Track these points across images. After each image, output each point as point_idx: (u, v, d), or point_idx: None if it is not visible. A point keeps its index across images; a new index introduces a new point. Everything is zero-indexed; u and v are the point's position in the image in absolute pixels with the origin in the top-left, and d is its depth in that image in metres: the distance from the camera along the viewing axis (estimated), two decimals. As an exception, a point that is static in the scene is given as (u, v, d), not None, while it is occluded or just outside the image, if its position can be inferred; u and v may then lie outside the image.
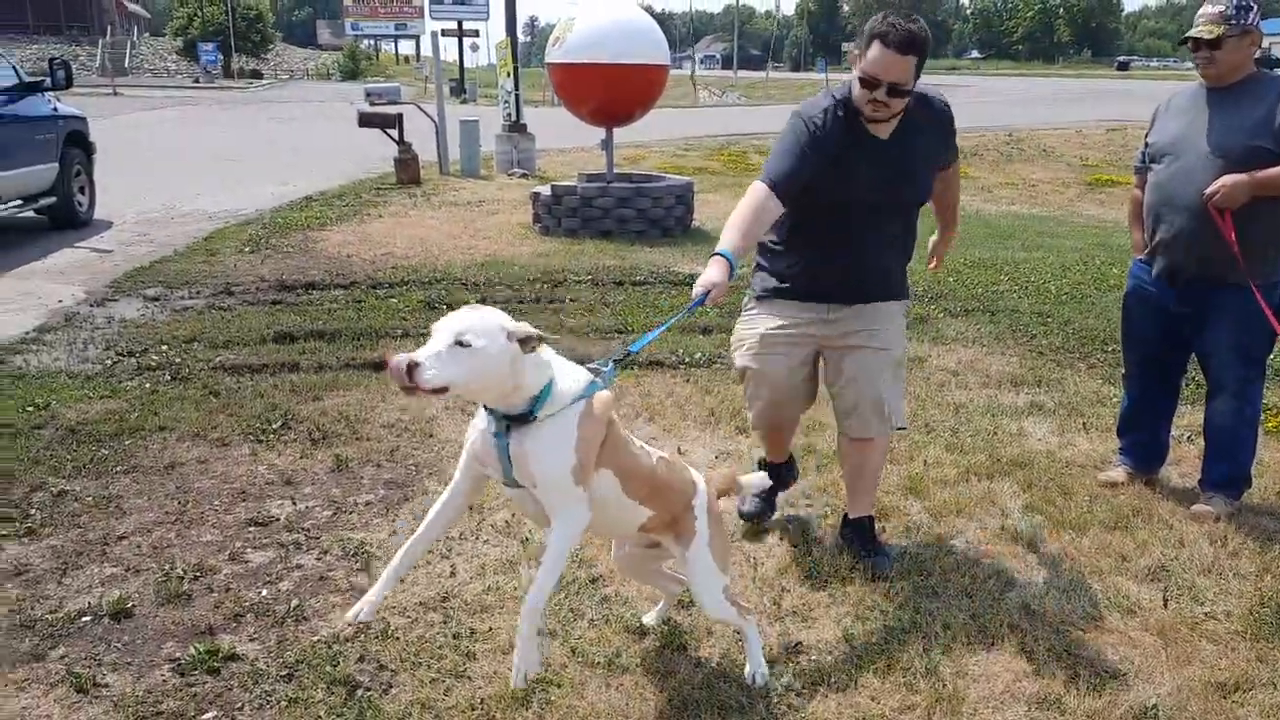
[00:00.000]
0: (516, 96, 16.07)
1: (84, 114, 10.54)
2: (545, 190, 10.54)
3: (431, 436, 4.68)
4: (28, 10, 53.36)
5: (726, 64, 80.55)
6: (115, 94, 30.15)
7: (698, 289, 2.90)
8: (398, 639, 3.00)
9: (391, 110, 14.44)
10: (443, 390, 2.13)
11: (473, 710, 2.66)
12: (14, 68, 9.43)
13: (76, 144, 10.06)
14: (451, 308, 6.95)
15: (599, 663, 2.85)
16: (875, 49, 3.12)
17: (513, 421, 2.35)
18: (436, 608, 3.17)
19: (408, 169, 13.80)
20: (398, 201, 12.25)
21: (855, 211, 3.32)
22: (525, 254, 9.03)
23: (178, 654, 2.95)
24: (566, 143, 18.82)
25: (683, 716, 2.66)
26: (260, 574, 3.44)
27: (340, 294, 7.44)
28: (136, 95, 31.19)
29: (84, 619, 3.14)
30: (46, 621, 3.12)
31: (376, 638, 3.00)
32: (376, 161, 15.09)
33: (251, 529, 3.75)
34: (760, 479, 3.12)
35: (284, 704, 2.71)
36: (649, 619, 3.11)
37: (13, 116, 8.93)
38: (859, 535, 3.54)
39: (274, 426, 4.73)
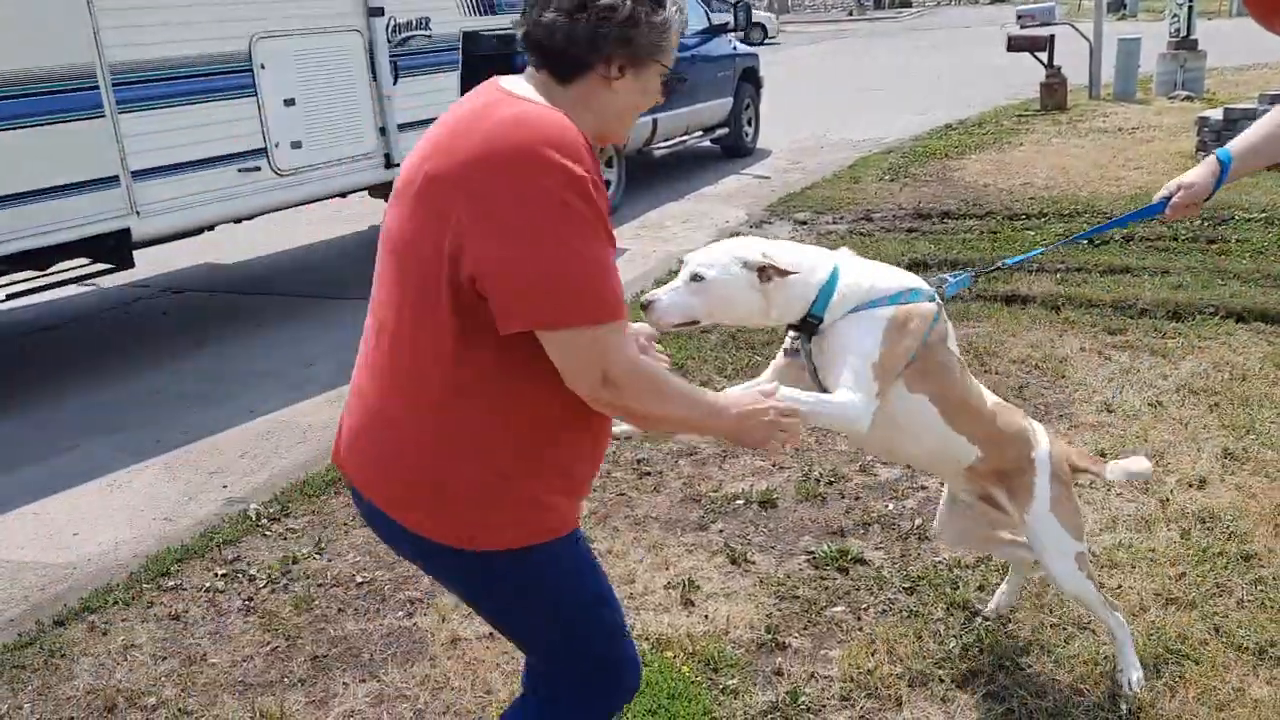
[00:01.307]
0: (1189, 8, 14.28)
1: (756, 52, 11.62)
2: (1215, 114, 9.31)
3: (1064, 377, 4.51)
4: (710, -43, 60.78)
5: None
6: (779, 30, 32.81)
7: (1161, 191, 2.32)
8: (1019, 576, 3.00)
9: (1043, 32, 13.71)
10: (687, 323, 2.14)
11: (1094, 665, 2.59)
12: (705, 11, 10.69)
13: (748, 80, 11.16)
14: (1092, 242, 6.51)
15: (1248, 647, 2.58)
16: None
17: (809, 332, 2.21)
18: (1061, 553, 3.10)
19: (1054, 93, 13.06)
20: (1041, 128, 11.70)
21: None
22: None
23: (813, 548, 3.28)
24: (1244, 59, 16.33)
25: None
26: (887, 489, 3.65)
27: (975, 224, 7.38)
28: (797, 31, 33.48)
29: (738, 502, 3.62)
30: (709, 498, 3.66)
31: (997, 570, 3.03)
32: (1021, 87, 14.51)
33: (881, 446, 3.98)
34: (1136, 467, 2.46)
35: (905, 614, 2.88)
36: (991, 606, 2.81)
37: (702, 57, 10.16)
38: None
39: (905, 351, 4.91)
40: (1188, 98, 13.33)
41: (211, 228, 6.07)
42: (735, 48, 10.96)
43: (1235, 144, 2.27)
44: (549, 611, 1.68)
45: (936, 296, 2.25)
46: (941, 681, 2.60)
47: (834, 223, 7.81)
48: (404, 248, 1.55)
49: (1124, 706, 2.43)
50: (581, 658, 1.73)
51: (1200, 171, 2.26)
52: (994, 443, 2.34)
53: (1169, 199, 2.29)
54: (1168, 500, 3.37)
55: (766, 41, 29.08)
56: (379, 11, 6.38)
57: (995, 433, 2.34)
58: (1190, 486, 3.46)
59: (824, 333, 2.19)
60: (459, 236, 1.46)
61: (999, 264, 2.58)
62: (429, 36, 6.87)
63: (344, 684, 2.79)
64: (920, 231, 7.34)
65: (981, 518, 2.60)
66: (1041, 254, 2.70)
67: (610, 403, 1.53)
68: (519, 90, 1.58)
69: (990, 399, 2.38)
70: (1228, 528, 3.16)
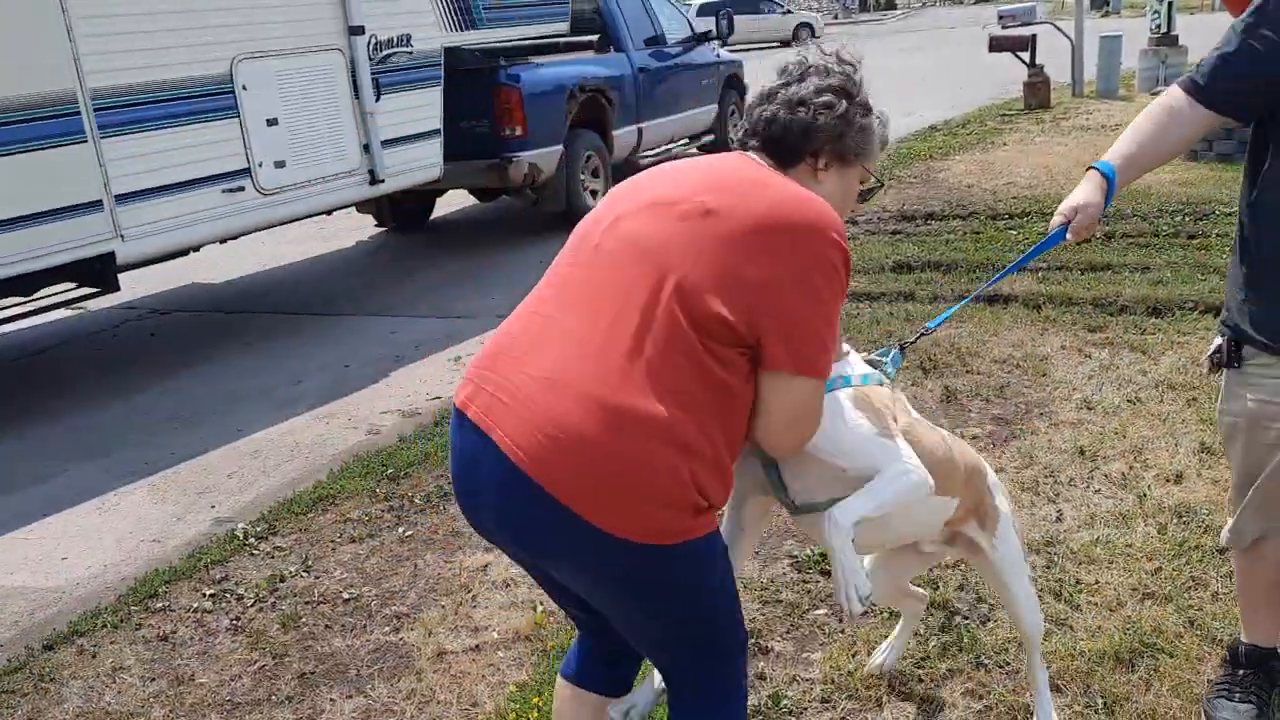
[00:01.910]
0: (1169, 4, 14.36)
1: (739, 59, 11.68)
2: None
3: (1045, 376, 4.54)
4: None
5: None
6: (824, 29, 33.46)
7: (1056, 218, 2.20)
8: (998, 574, 3.03)
9: (1024, 32, 13.79)
10: None
11: (1071, 659, 2.62)
12: (688, 21, 10.75)
13: (732, 87, 11.23)
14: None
15: (1222, 640, 2.61)
16: None
17: None
18: (1040, 551, 3.13)
19: (1037, 92, 13.13)
20: (1024, 128, 11.77)
21: None
22: (1165, 182, 8.17)
23: (796, 552, 3.31)
24: (1229, 52, 16.41)
25: (1323, 720, 2.36)
26: (870, 491, 3.68)
27: (959, 225, 7.43)
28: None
29: (721, 510, 3.64)
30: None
31: (974, 570, 3.06)
32: (1005, 86, 14.60)
33: (864, 449, 4.01)
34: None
35: (885, 615, 2.91)
36: (880, 658, 2.67)
37: (685, 65, 10.23)
38: None
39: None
40: (1170, 93, 13.38)
41: (197, 248, 6.10)
42: (718, 55, 11.03)
43: (1114, 155, 2.19)
44: (709, 597, 1.75)
45: (885, 379, 2.05)
46: (921, 681, 2.62)
47: (819, 227, 7.84)
48: (658, 256, 1.67)
49: (1100, 700, 2.46)
50: (725, 637, 1.80)
51: (1088, 190, 2.18)
52: (967, 483, 2.18)
53: (1067, 224, 2.19)
54: (1145, 495, 3.40)
55: (812, 40, 29.75)
56: (360, 30, 6.42)
57: (966, 471, 2.18)
58: (1168, 481, 3.50)
59: None
60: (733, 276, 1.62)
61: (923, 331, 2.40)
62: (410, 53, 6.92)
63: (331, 700, 2.81)
64: (905, 234, 7.38)
65: (906, 562, 2.45)
66: (957, 310, 2.55)
67: (792, 446, 1.77)
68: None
69: (945, 438, 2.18)
70: (1203, 521, 3.19)
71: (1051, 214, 6.85)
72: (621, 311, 1.63)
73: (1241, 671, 2.39)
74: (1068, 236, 2.21)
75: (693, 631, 1.76)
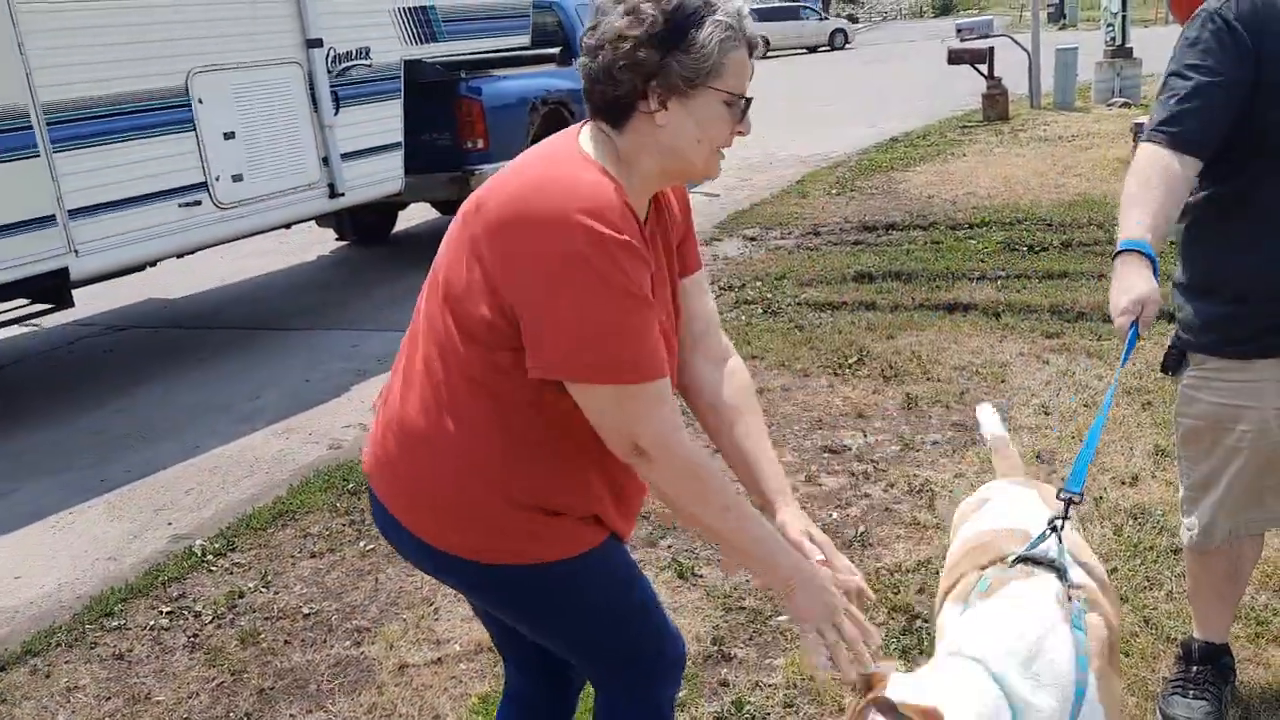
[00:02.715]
0: (1123, 17, 14.63)
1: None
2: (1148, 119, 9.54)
3: (1004, 382, 4.59)
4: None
5: None
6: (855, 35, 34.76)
7: (1121, 319, 1.95)
8: (957, 578, 3.05)
9: (982, 45, 13.98)
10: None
11: (1030, 660, 2.64)
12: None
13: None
14: (1032, 250, 6.65)
15: (1176, 638, 2.65)
16: None
17: None
18: (999, 554, 3.16)
19: (995, 104, 13.32)
20: (983, 139, 11.92)
21: None
22: (1120, 193, 8.30)
23: (758, 559, 3.32)
24: (1181, 64, 16.71)
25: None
26: (832, 498, 3.70)
27: (919, 235, 7.51)
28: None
29: (685, 517, 3.65)
30: (659, 514, 3.68)
31: (936, 572, 3.08)
32: (965, 98, 14.78)
33: (825, 455, 4.04)
34: None
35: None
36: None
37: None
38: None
39: (850, 361, 4.99)
40: (1124, 104, 13.64)
41: (153, 263, 6.03)
42: (680, 68, 11.08)
43: (1144, 230, 2.01)
44: (580, 622, 1.70)
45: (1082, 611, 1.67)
46: (882, 685, 2.63)
47: (782, 238, 7.90)
48: (441, 272, 1.59)
49: (1058, 701, 2.47)
50: (624, 665, 1.76)
51: (1142, 280, 1.97)
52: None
53: (1136, 324, 1.96)
54: (1102, 498, 3.45)
55: (846, 47, 32.85)
56: (318, 43, 6.39)
57: None
58: (1123, 484, 3.54)
59: None
60: (488, 279, 1.49)
61: (1071, 494, 1.84)
62: (369, 66, 6.89)
63: (290, 716, 2.78)
64: (866, 244, 7.44)
65: None
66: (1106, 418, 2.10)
67: (645, 475, 1.52)
68: (583, 144, 1.55)
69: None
70: (1158, 523, 3.24)
71: (1009, 224, 6.88)
72: (428, 337, 1.60)
73: (1195, 668, 2.42)
74: (1141, 334, 1.97)
75: (603, 645, 1.73)
